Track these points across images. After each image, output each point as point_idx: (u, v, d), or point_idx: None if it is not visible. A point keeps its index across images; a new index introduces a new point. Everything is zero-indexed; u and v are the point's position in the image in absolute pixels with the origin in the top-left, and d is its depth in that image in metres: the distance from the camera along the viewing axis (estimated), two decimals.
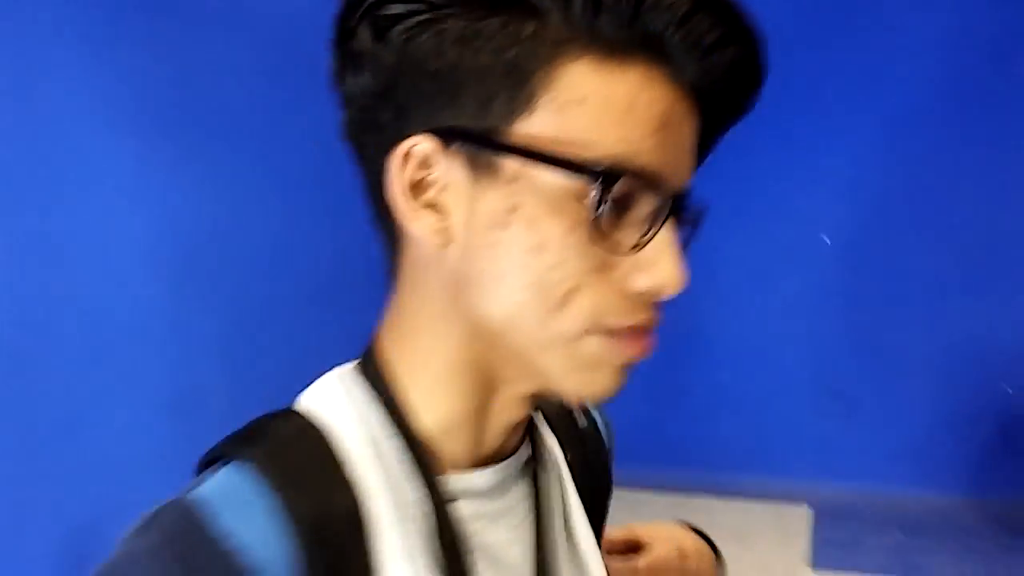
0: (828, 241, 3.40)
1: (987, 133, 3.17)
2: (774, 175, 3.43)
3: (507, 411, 0.51)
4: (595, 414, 0.67)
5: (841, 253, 3.39)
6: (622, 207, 0.44)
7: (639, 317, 0.47)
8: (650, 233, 0.45)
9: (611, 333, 0.46)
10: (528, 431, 0.55)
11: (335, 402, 0.48)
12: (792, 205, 3.43)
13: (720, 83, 0.45)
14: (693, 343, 3.63)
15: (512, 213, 0.44)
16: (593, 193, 0.42)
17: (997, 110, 3.15)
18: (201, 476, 0.45)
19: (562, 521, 0.55)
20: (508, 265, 0.44)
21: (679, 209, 0.47)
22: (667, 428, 3.70)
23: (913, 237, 3.29)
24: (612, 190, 0.42)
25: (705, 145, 0.49)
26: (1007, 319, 3.19)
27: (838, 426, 3.45)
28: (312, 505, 0.43)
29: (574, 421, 0.63)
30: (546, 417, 0.59)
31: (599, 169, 0.42)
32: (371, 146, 0.47)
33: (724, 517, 3.38)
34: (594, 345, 0.46)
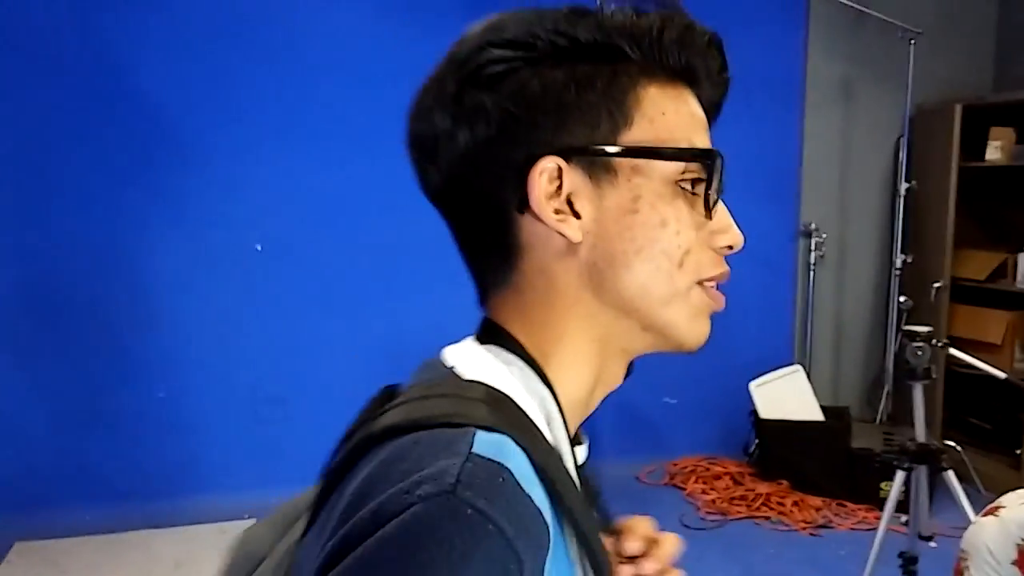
0: (260, 248, 3.41)
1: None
2: (208, 184, 3.33)
3: (611, 382, 0.64)
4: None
5: (273, 260, 3.43)
6: (698, 183, 0.60)
7: (722, 269, 0.62)
8: (718, 201, 0.61)
9: (705, 284, 0.61)
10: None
11: (501, 375, 0.57)
12: (226, 214, 3.36)
13: (716, 96, 0.65)
14: (118, 363, 3.33)
15: (637, 201, 0.58)
16: (690, 174, 0.59)
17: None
18: (455, 440, 0.47)
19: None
20: (644, 240, 0.57)
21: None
22: (92, 461, 3.32)
23: (338, 244, 3.49)
24: (704, 169, 0.59)
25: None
26: (415, 320, 3.58)
27: (279, 432, 3.49)
28: (536, 442, 0.51)
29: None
30: None
31: (693, 154, 0.59)
32: (488, 183, 0.58)
33: (164, 548, 3.16)
34: (698, 295, 0.61)
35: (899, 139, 4.11)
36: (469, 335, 0.63)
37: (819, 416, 3.79)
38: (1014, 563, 1.23)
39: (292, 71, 3.37)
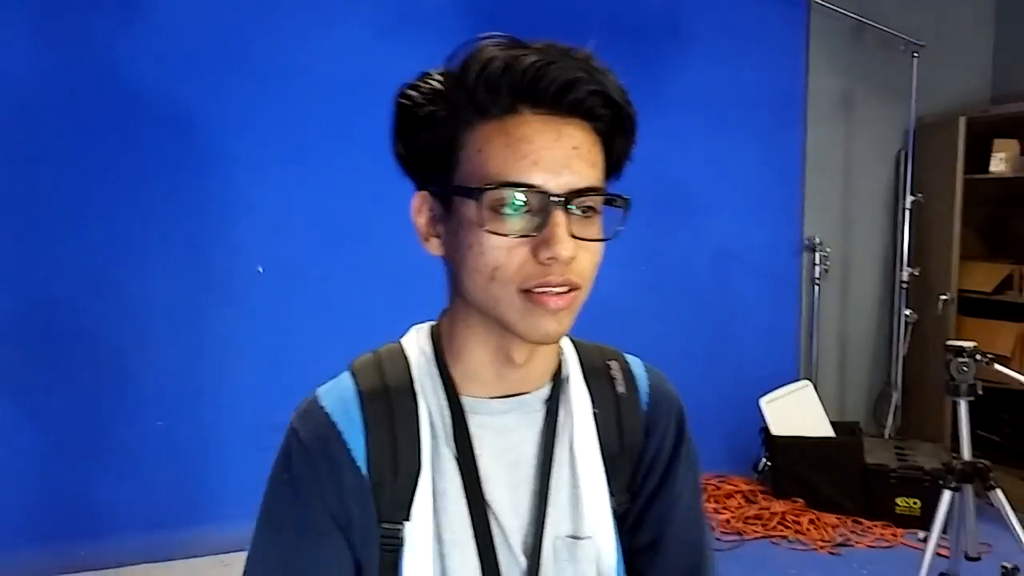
0: (262, 270, 3.31)
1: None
2: (208, 206, 3.23)
3: (517, 356, 0.76)
4: (644, 387, 0.86)
5: (276, 283, 3.33)
6: (521, 208, 0.68)
7: (545, 278, 0.68)
8: (544, 222, 0.68)
9: (533, 292, 0.69)
10: (554, 381, 0.81)
11: (412, 343, 0.81)
12: (227, 236, 3.26)
13: (575, 109, 0.70)
14: (114, 392, 3.20)
15: (459, 227, 0.71)
16: (478, 205, 0.68)
17: None
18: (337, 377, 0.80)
19: (567, 449, 0.79)
20: (461, 259, 0.71)
21: (567, 202, 0.68)
22: (86, 494, 3.18)
23: (343, 267, 3.40)
24: (490, 199, 0.68)
25: (612, 151, 0.75)
26: None
27: None
28: (375, 382, 0.77)
29: (614, 386, 0.84)
30: (587, 378, 0.83)
31: (480, 187, 0.68)
32: None
33: None
34: (521, 300, 0.69)
35: (900, 152, 4.11)
36: None
37: (829, 432, 3.75)
38: None
39: (295, 91, 3.28)
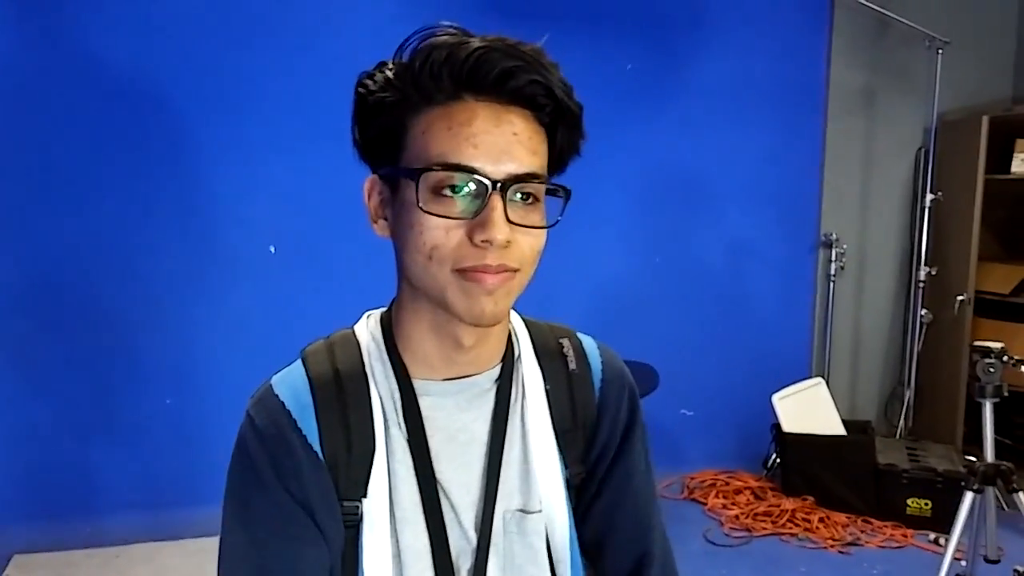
0: (274, 250, 3.29)
1: None
2: (221, 184, 3.20)
3: (460, 338, 0.77)
4: (596, 364, 0.89)
5: (288, 263, 3.31)
6: (459, 190, 0.70)
7: (480, 261, 0.70)
8: (482, 205, 0.70)
9: (467, 271, 0.71)
10: (504, 362, 0.83)
11: (363, 328, 0.84)
12: (239, 214, 3.23)
13: (516, 97, 0.72)
14: (124, 369, 3.19)
15: (401, 209, 0.74)
16: (415, 185, 0.70)
17: None
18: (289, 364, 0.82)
19: (519, 426, 0.82)
20: (403, 239, 0.74)
21: (505, 187, 0.70)
22: (95, 470, 3.17)
23: (355, 246, 3.37)
24: (430, 180, 0.70)
25: (555, 143, 0.76)
26: None
27: None
28: (325, 368, 0.79)
29: (566, 363, 0.86)
30: (539, 355, 0.85)
31: (420, 168, 0.70)
32: None
33: (173, 561, 3.03)
34: (457, 281, 0.71)
35: (920, 150, 4.06)
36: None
37: (840, 430, 3.72)
38: None
39: (308, 70, 3.25)
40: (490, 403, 0.82)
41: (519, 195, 0.72)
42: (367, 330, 0.83)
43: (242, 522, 0.79)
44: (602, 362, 0.90)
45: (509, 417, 0.82)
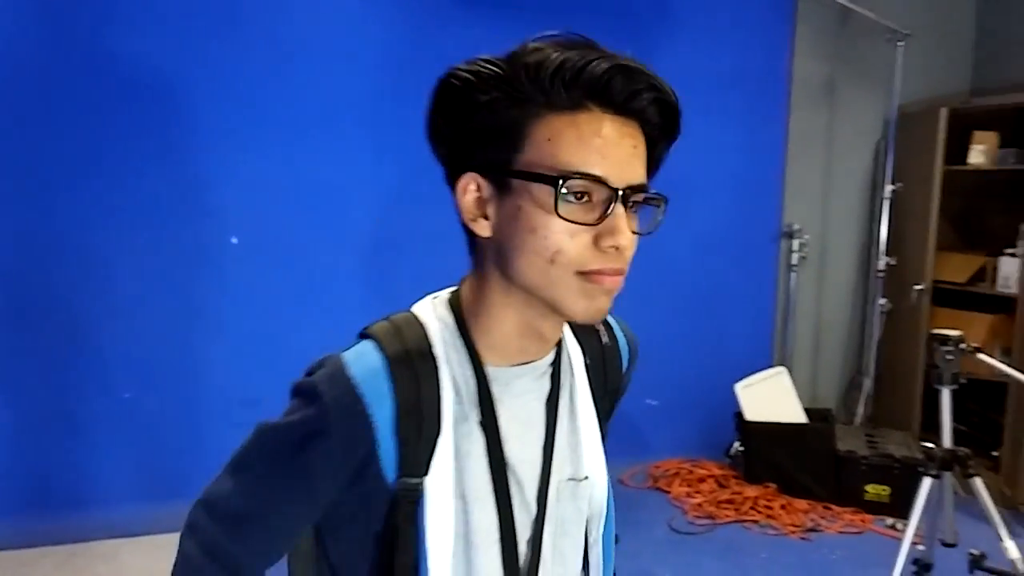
0: (235, 241, 3.23)
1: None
2: (181, 174, 3.14)
3: (548, 332, 0.84)
4: (621, 336, 0.98)
5: (249, 254, 3.26)
6: (583, 197, 0.74)
7: (605, 265, 0.75)
8: (607, 212, 0.74)
9: (590, 274, 0.75)
10: (557, 345, 0.87)
11: (429, 312, 0.84)
12: (200, 205, 3.18)
13: (635, 113, 0.76)
14: (82, 363, 3.12)
15: (518, 211, 0.75)
16: (555, 191, 0.73)
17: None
18: (353, 343, 0.83)
19: (568, 401, 0.89)
20: (519, 241, 0.76)
21: (626, 197, 0.75)
22: (53, 467, 3.10)
23: (318, 239, 3.34)
24: (567, 187, 0.73)
25: (655, 155, 0.81)
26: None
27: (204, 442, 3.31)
28: (399, 349, 0.79)
29: (599, 338, 0.94)
30: (576, 332, 0.92)
31: (555, 175, 0.73)
32: (449, 181, 0.82)
33: (134, 559, 2.98)
34: (578, 283, 0.76)
35: (880, 141, 4.12)
36: None
37: (802, 418, 3.77)
38: None
39: (272, 58, 3.20)
40: (546, 384, 0.87)
41: (632, 204, 0.77)
42: (434, 313, 0.84)
43: (261, 468, 0.83)
44: (625, 335, 0.99)
45: (560, 395, 0.88)
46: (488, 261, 0.81)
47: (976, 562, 2.50)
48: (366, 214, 3.40)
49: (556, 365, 0.88)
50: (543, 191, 0.74)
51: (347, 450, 0.78)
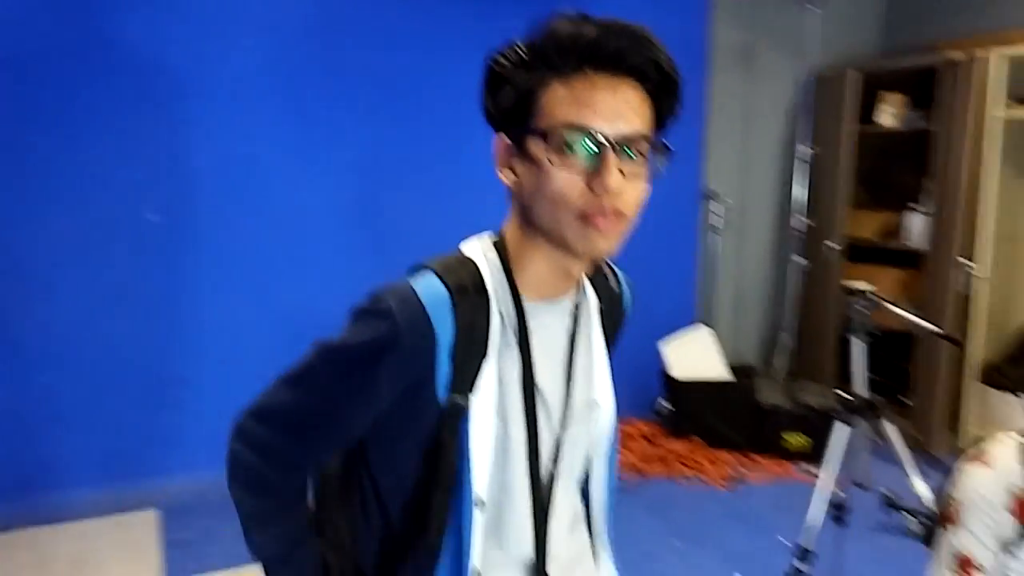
0: (153, 218, 3.14)
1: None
2: (93, 147, 3.02)
3: (572, 269, 0.95)
4: (625, 287, 1.11)
5: (168, 231, 3.17)
6: (576, 148, 0.85)
7: (600, 205, 0.85)
8: (597, 160, 0.85)
9: (587, 215, 0.86)
10: (579, 286, 1.01)
11: (479, 251, 0.95)
12: (114, 180, 3.07)
13: (628, 71, 0.86)
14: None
15: (533, 164, 0.88)
16: (550, 143, 0.85)
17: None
18: (410, 274, 0.92)
19: (585, 337, 1.02)
20: (535, 189, 0.88)
21: (619, 145, 0.85)
22: None
23: (239, 214, 3.27)
24: (557, 139, 0.85)
25: (659, 109, 0.90)
26: (320, 293, 3.41)
27: (181, 416, 3.25)
28: (459, 281, 0.90)
29: (609, 285, 1.07)
30: (593, 282, 1.05)
31: (548, 128, 0.85)
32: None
33: (60, 547, 2.90)
34: (579, 223, 0.86)
35: (796, 104, 4.24)
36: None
37: (725, 374, 3.90)
38: (1008, 509, 1.27)
39: (190, 17, 3.09)
40: (569, 321, 0.99)
41: (629, 152, 0.86)
42: (483, 254, 0.95)
43: (327, 376, 0.91)
44: (628, 285, 1.12)
45: (579, 330, 1.00)
46: (517, 208, 0.94)
47: (889, 502, 2.65)
48: (286, 189, 3.34)
49: (577, 306, 1.01)
50: (544, 145, 0.85)
51: (411, 365, 0.88)
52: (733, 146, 4.23)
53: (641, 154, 0.87)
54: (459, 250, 0.97)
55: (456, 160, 3.48)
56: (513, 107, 0.88)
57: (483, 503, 0.92)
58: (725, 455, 3.63)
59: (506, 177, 0.92)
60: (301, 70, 3.29)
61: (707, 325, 4.07)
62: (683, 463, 3.56)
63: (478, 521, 0.92)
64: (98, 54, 2.99)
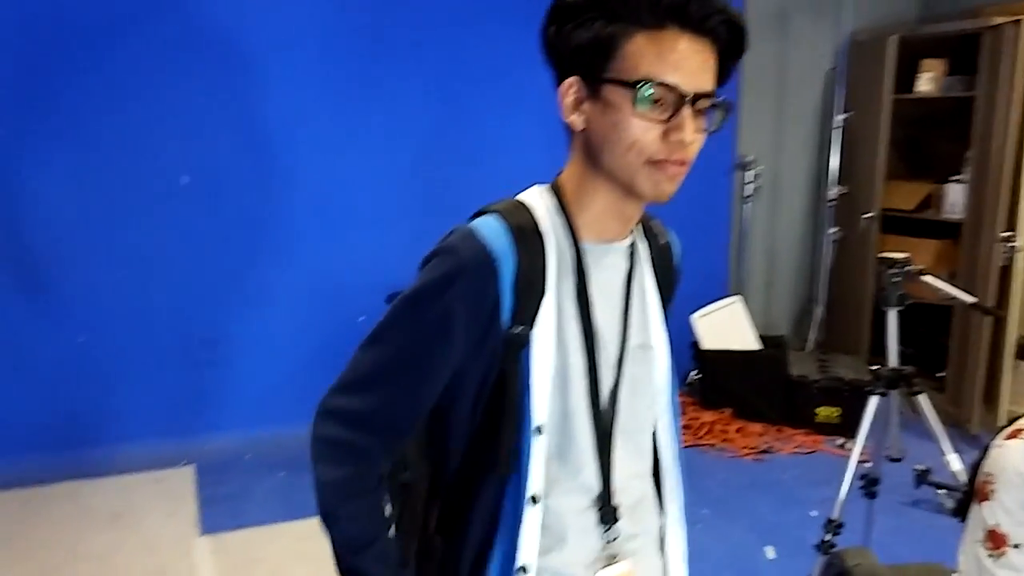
0: (187, 180, 3.17)
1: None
2: (127, 111, 3.05)
3: (630, 212, 1.00)
4: (675, 242, 1.14)
5: (201, 194, 3.20)
6: (658, 100, 0.90)
7: (670, 155, 0.91)
8: (676, 113, 0.90)
9: (659, 163, 0.91)
10: (633, 232, 1.05)
11: (536, 197, 1.01)
12: (148, 143, 3.10)
13: (707, 32, 0.90)
14: (34, 307, 3.06)
15: (606, 109, 0.92)
16: (635, 94, 0.89)
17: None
18: (474, 217, 0.98)
19: (639, 281, 1.05)
20: (605, 134, 0.93)
21: (693, 100, 0.90)
22: (10, 411, 3.07)
23: (272, 177, 3.29)
24: (645, 92, 0.89)
25: (725, 69, 0.94)
26: (350, 256, 3.43)
27: (214, 375, 3.30)
28: (518, 222, 0.96)
29: (658, 237, 1.11)
30: (644, 229, 1.09)
31: (635, 82, 0.89)
32: (556, 84, 0.97)
33: (96, 500, 2.98)
34: (648, 169, 0.92)
35: (831, 71, 4.15)
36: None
37: (756, 345, 3.87)
38: None
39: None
40: (624, 263, 1.03)
41: (701, 108, 0.91)
42: (540, 199, 1.00)
43: (412, 317, 0.96)
44: (675, 240, 1.15)
45: (634, 274, 1.04)
46: (582, 151, 0.98)
47: (921, 476, 2.62)
48: (319, 153, 3.35)
49: (632, 251, 1.05)
50: (626, 94, 0.90)
51: (478, 296, 0.93)
52: (767, 114, 4.16)
53: (704, 109, 0.92)
54: (515, 198, 1.02)
55: (502, 129, 3.49)
56: (589, 51, 0.92)
57: (544, 430, 0.96)
58: (754, 426, 3.61)
59: (576, 122, 0.96)
60: (352, 33, 3.30)
61: (739, 296, 4.03)
62: (711, 433, 3.55)
63: (540, 447, 0.96)
64: (147, 14, 3.01)
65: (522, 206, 1.00)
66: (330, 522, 0.96)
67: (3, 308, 3.02)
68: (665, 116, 0.90)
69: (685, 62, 0.90)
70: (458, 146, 3.54)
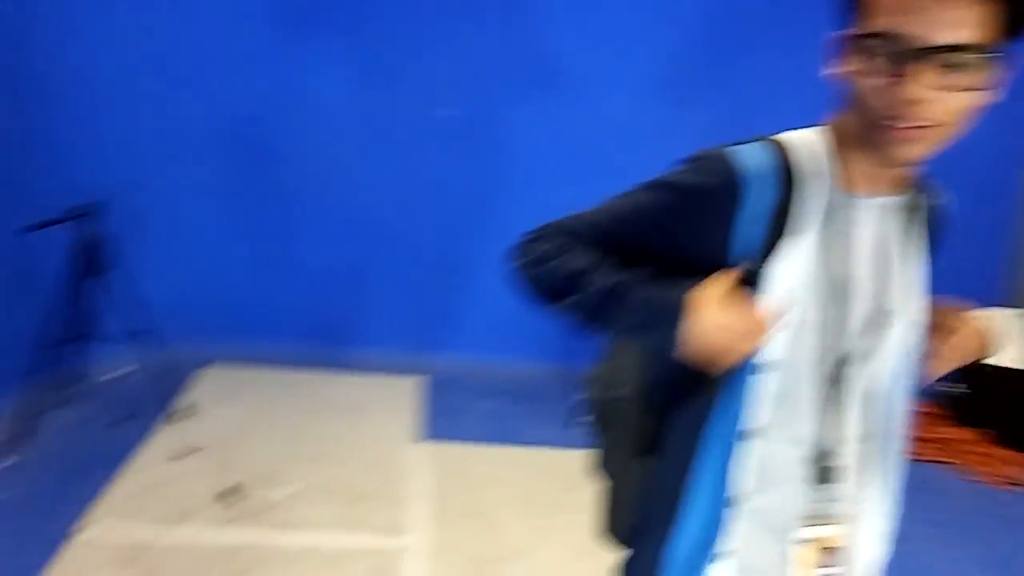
0: (451, 113, 3.33)
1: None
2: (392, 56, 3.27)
3: (878, 172, 0.94)
4: (944, 202, 1.07)
5: (460, 129, 3.36)
6: (894, 56, 0.83)
7: (908, 118, 0.85)
8: (905, 68, 0.83)
9: (889, 123, 0.86)
10: (910, 189, 1.00)
11: (803, 139, 0.97)
12: (421, 76, 3.30)
13: None
14: (310, 213, 3.39)
15: (860, 64, 0.87)
16: (863, 46, 0.86)
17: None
18: (739, 144, 0.96)
19: (904, 243, 1.00)
20: (857, 90, 0.88)
21: (930, 54, 0.82)
22: (274, 302, 3.44)
23: (541, 118, 3.37)
24: (869, 43, 0.85)
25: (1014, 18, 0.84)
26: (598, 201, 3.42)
27: (456, 300, 3.48)
28: (780, 159, 0.94)
29: (931, 198, 1.05)
30: (921, 192, 1.03)
31: (867, 33, 0.86)
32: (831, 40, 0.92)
33: (334, 391, 3.26)
34: (887, 129, 0.87)
35: None
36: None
37: None
38: None
39: None
40: (889, 221, 0.98)
41: (948, 62, 0.82)
42: (807, 141, 0.96)
43: (639, 194, 0.99)
44: (948, 203, 1.08)
45: (904, 236, 0.99)
46: (844, 104, 0.93)
47: None
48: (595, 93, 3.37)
49: (905, 209, 0.99)
50: (862, 45, 0.86)
51: (710, 221, 0.93)
52: None
53: (967, 65, 0.82)
54: (781, 136, 0.98)
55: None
56: (850, 10, 0.89)
57: (766, 368, 0.93)
58: (1017, 455, 3.17)
59: (836, 76, 0.92)
60: None
61: (1014, 307, 3.54)
62: (964, 453, 3.17)
63: (762, 384, 0.94)
64: None
65: (784, 145, 0.96)
66: (563, 294, 0.99)
67: (285, 210, 3.37)
68: (899, 71, 0.83)
69: (926, 13, 0.82)
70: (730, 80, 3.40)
